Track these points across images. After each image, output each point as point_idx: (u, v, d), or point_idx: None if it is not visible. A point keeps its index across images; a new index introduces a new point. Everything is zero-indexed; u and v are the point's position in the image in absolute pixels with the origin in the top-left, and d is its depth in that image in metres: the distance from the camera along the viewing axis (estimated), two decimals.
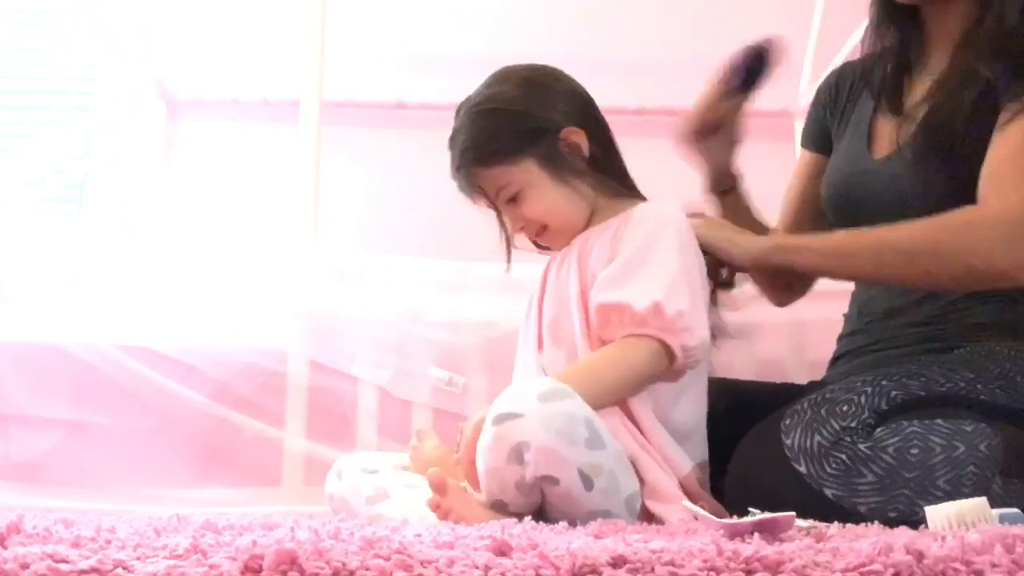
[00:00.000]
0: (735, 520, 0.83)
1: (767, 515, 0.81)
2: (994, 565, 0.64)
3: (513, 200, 1.34)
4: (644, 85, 2.71)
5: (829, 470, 1.14)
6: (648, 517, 1.16)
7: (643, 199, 1.38)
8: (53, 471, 1.76)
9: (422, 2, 2.76)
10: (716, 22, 2.67)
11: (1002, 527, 0.82)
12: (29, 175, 2.68)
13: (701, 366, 1.29)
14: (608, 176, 1.37)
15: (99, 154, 2.75)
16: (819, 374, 1.50)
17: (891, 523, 1.02)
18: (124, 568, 0.60)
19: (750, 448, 1.23)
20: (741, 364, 1.63)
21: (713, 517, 0.87)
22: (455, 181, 1.37)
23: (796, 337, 1.83)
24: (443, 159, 1.39)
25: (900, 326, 1.37)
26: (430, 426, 1.83)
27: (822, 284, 1.60)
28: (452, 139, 1.37)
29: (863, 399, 1.19)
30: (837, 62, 1.56)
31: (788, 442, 1.17)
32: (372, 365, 1.88)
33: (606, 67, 2.62)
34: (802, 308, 1.65)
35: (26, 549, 0.63)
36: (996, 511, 0.93)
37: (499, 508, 1.11)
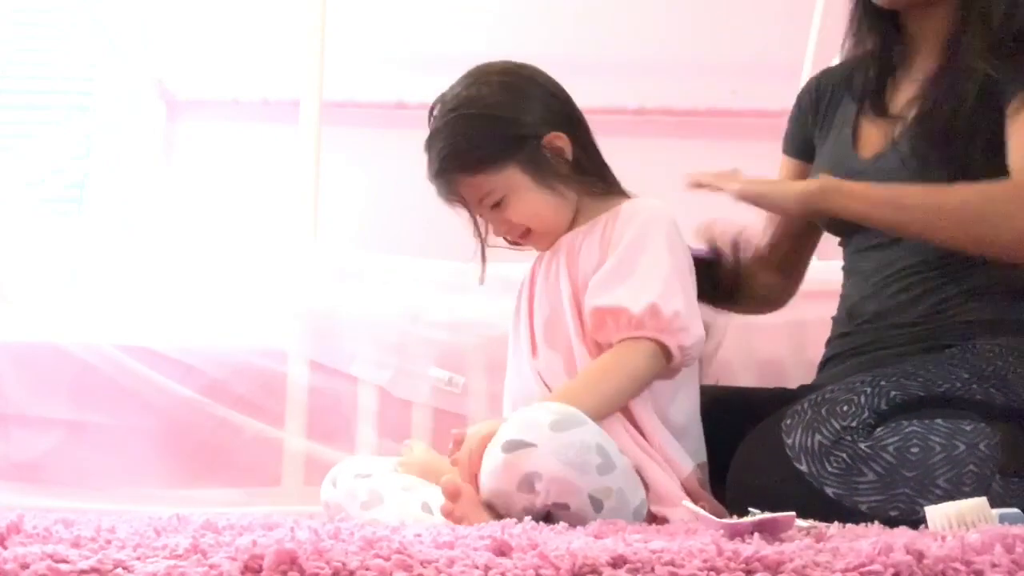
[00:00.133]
0: (735, 520, 0.83)
1: (767, 515, 0.81)
2: (994, 565, 0.64)
3: (497, 206, 1.34)
4: (644, 85, 2.71)
5: (830, 469, 1.14)
6: (651, 518, 1.16)
7: (626, 195, 1.38)
8: (53, 471, 1.76)
9: (422, 2, 2.77)
10: (716, 22, 2.67)
11: (1002, 527, 0.82)
12: (29, 175, 2.68)
13: (694, 361, 1.30)
14: (590, 175, 1.37)
15: (99, 154, 2.74)
16: None
17: (891, 522, 1.03)
18: (124, 568, 0.60)
19: (750, 448, 1.23)
20: (741, 364, 1.63)
21: (713, 517, 0.87)
22: (434, 185, 1.36)
23: (796, 337, 1.83)
24: None
25: (891, 327, 1.37)
26: (430, 426, 1.84)
27: (822, 284, 1.60)
28: (429, 142, 1.35)
29: (863, 399, 1.19)
30: (837, 62, 1.56)
31: (789, 441, 1.17)
32: (372, 365, 1.88)
33: (606, 67, 2.62)
34: (802, 308, 1.65)
35: (26, 549, 0.63)
36: (996, 511, 0.93)
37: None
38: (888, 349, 1.35)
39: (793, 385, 1.48)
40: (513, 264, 1.51)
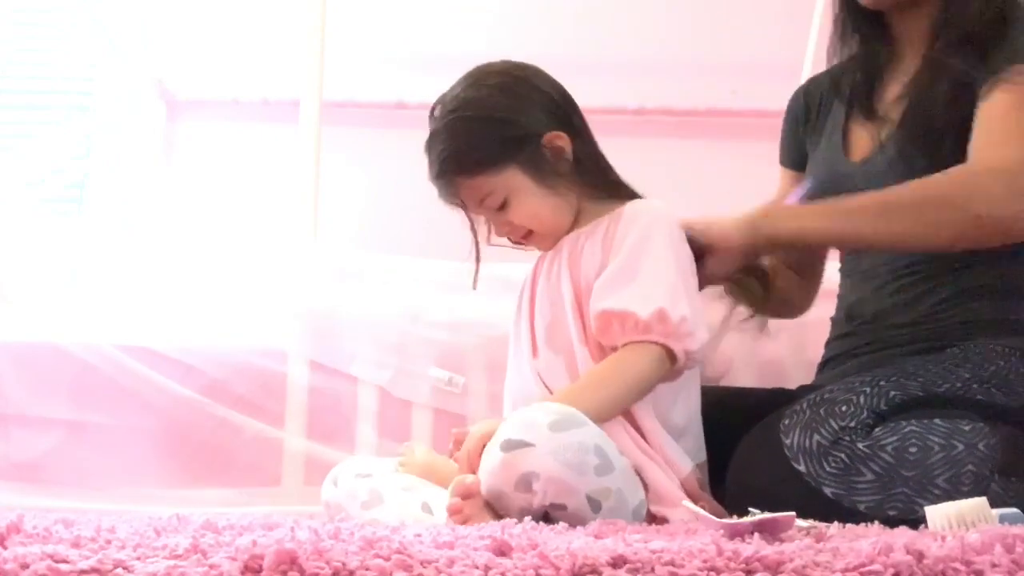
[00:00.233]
0: (735, 520, 0.83)
1: (767, 515, 0.81)
2: (994, 565, 0.64)
3: (498, 208, 1.33)
4: (644, 85, 2.70)
5: (828, 469, 1.14)
6: (651, 519, 1.16)
7: (630, 195, 1.38)
8: (53, 471, 1.76)
9: (422, 2, 2.76)
10: (716, 22, 2.67)
11: (1002, 527, 0.82)
12: (29, 175, 2.68)
13: (697, 365, 1.30)
14: (592, 175, 1.36)
15: (99, 154, 2.74)
16: None
17: (890, 521, 1.03)
18: (124, 568, 0.60)
19: (749, 448, 1.23)
20: (741, 364, 1.63)
21: (713, 517, 0.87)
22: (434, 186, 1.36)
23: (796, 337, 1.83)
24: None
25: (890, 327, 1.37)
26: (430, 426, 1.83)
27: (823, 284, 1.60)
28: (429, 144, 1.35)
29: (862, 399, 1.19)
30: (836, 62, 1.56)
31: (787, 442, 1.17)
32: (372, 365, 1.88)
33: (606, 67, 2.62)
34: None
35: (26, 549, 0.63)
36: (996, 511, 0.93)
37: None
38: (888, 350, 1.35)
39: (793, 385, 1.48)
40: (513, 264, 1.51)
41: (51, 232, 2.17)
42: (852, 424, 1.17)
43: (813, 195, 1.46)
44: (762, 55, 2.56)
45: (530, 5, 2.73)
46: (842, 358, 1.42)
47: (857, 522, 1.02)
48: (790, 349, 1.85)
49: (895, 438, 1.15)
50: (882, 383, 1.21)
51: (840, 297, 1.51)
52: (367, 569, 0.61)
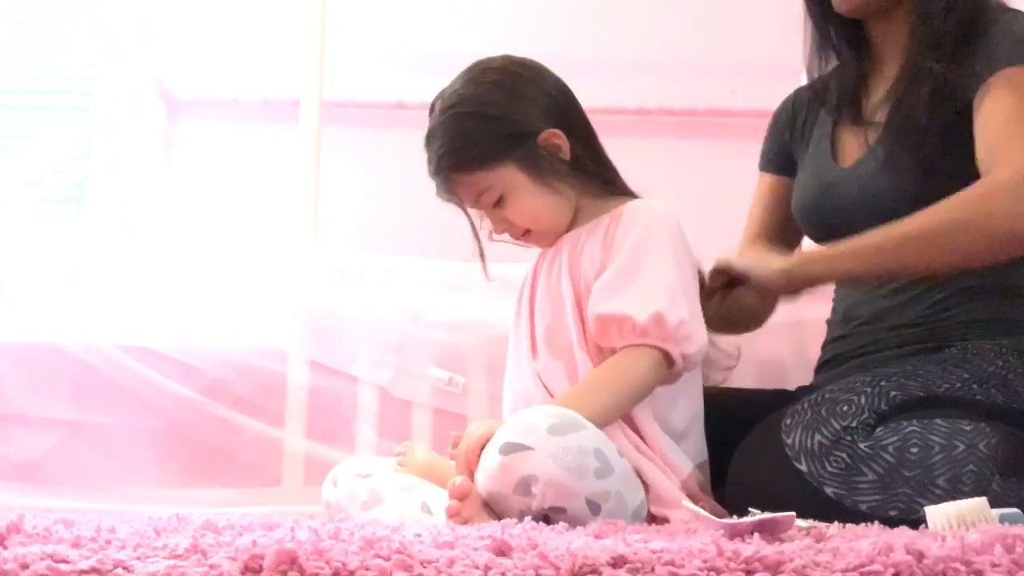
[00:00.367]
0: (735, 520, 0.83)
1: (767, 515, 0.81)
2: (994, 565, 0.64)
3: (495, 204, 1.33)
4: (644, 85, 2.70)
5: (830, 469, 1.14)
6: (651, 519, 1.16)
7: (630, 194, 1.37)
8: (53, 471, 1.76)
9: (422, 2, 2.76)
10: (716, 22, 2.67)
11: (1002, 527, 0.82)
12: (29, 175, 2.67)
13: (696, 367, 1.30)
14: (591, 173, 1.36)
15: (99, 154, 2.74)
16: None
17: (891, 521, 1.03)
18: (124, 568, 0.60)
19: (750, 448, 1.23)
20: (741, 363, 1.62)
21: (713, 517, 0.87)
22: (434, 182, 1.36)
23: (796, 337, 1.83)
24: None
25: (888, 328, 1.37)
26: (430, 426, 1.83)
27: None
28: (428, 140, 1.35)
29: (863, 399, 1.19)
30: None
31: (789, 441, 1.18)
32: (372, 365, 1.87)
33: (606, 67, 2.62)
34: (802, 308, 1.64)
35: (26, 549, 0.63)
36: (996, 511, 0.93)
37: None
38: (887, 351, 1.35)
39: (793, 386, 1.48)
40: (513, 264, 1.50)
41: (51, 232, 2.17)
42: (853, 424, 1.17)
43: (805, 203, 1.46)
44: (762, 55, 2.55)
45: (530, 5, 2.73)
46: (840, 360, 1.42)
47: (858, 522, 1.02)
48: (790, 349, 1.85)
49: (896, 438, 1.15)
50: (883, 383, 1.22)
51: (836, 299, 1.51)
52: (367, 569, 0.61)
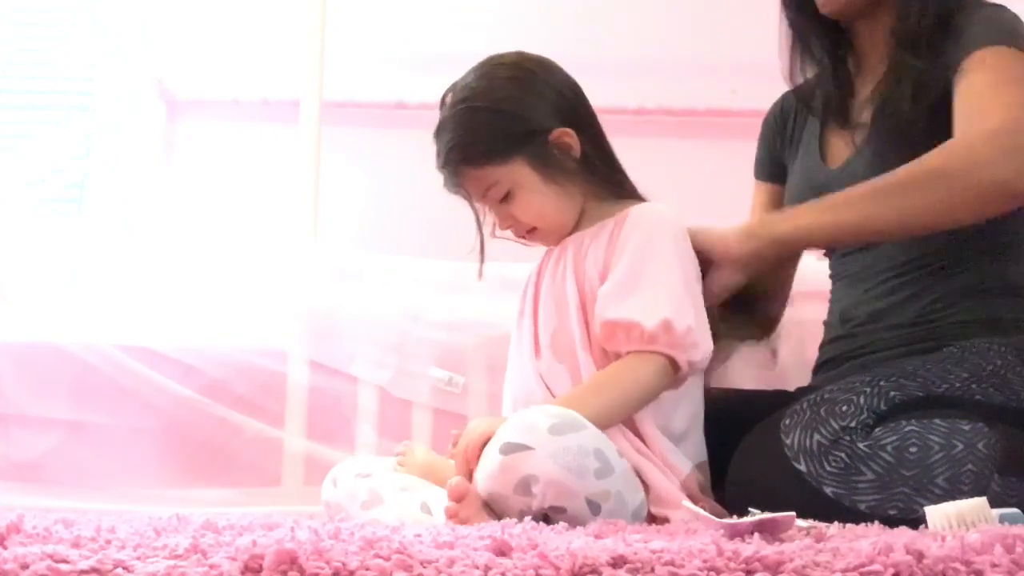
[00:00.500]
0: (735, 520, 0.83)
1: (767, 515, 0.81)
2: (994, 565, 0.64)
3: (502, 200, 1.33)
4: (644, 85, 2.70)
5: (829, 468, 1.14)
6: (651, 519, 1.16)
7: (637, 197, 1.37)
8: (53, 471, 1.76)
9: (422, 2, 2.76)
10: (716, 22, 2.67)
11: (1002, 527, 0.82)
12: (29, 175, 2.67)
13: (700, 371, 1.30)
14: (600, 173, 1.36)
15: (99, 154, 2.74)
16: None
17: (890, 521, 1.03)
18: (124, 568, 0.60)
19: (750, 448, 1.23)
20: (741, 364, 1.62)
21: (713, 517, 0.87)
22: (442, 175, 1.36)
23: (796, 337, 1.83)
24: None
25: (886, 328, 1.37)
26: (430, 426, 1.83)
27: (823, 284, 1.60)
28: (438, 133, 1.35)
29: (862, 399, 1.19)
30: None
31: (788, 441, 1.18)
32: (372, 365, 1.87)
33: (606, 67, 2.61)
34: (802, 308, 1.64)
35: (26, 549, 0.63)
36: (996, 511, 0.93)
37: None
38: (886, 351, 1.35)
39: (792, 386, 1.48)
40: (513, 264, 1.50)
41: (51, 232, 2.17)
42: (852, 424, 1.17)
43: (795, 205, 1.46)
44: (762, 55, 2.55)
45: (530, 5, 2.73)
46: (838, 361, 1.42)
47: (857, 522, 1.02)
48: (790, 349, 1.85)
49: (895, 438, 1.15)
50: (882, 383, 1.22)
51: (831, 300, 1.51)
52: (367, 569, 0.61)
